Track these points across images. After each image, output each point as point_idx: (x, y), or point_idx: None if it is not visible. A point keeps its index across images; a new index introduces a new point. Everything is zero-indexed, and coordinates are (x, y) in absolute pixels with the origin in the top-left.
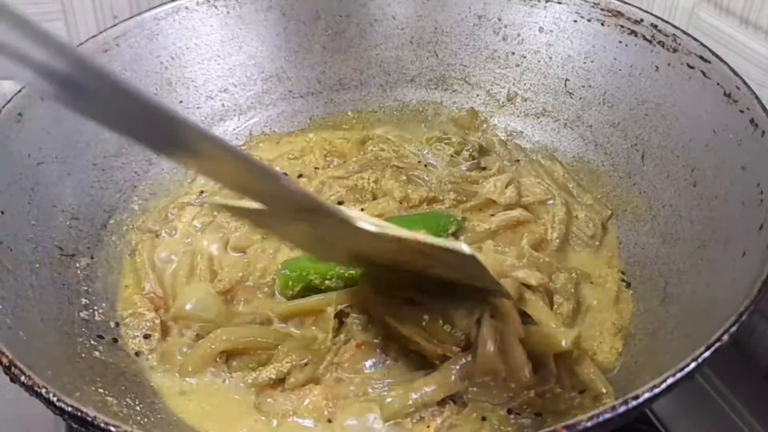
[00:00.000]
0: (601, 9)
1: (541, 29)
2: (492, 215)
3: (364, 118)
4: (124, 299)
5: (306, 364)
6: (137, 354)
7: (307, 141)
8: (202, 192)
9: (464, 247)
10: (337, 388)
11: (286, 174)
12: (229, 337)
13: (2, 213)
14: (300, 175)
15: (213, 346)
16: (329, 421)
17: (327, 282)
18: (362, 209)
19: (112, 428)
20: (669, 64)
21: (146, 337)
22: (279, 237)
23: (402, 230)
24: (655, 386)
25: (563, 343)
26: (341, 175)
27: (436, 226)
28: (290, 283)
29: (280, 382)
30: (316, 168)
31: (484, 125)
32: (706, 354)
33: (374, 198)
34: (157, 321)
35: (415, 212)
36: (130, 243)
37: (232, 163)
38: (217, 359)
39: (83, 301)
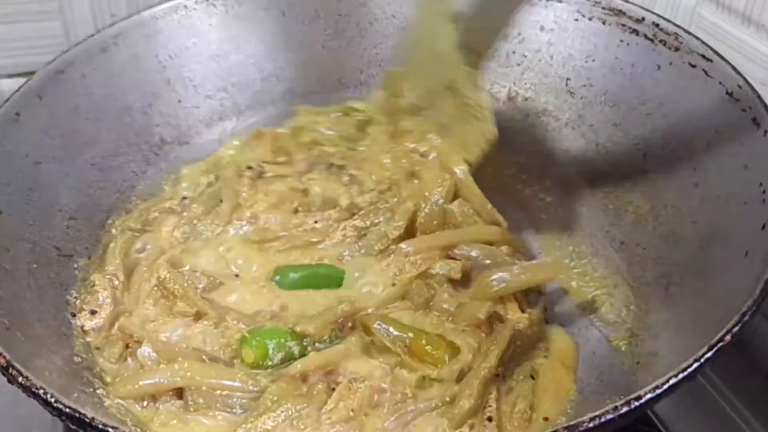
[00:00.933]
0: (603, 8)
1: (542, 28)
2: None
3: None
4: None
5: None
6: (83, 330)
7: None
8: (184, 198)
9: None
10: None
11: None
12: (192, 375)
13: (0, 213)
14: (249, 167)
15: (169, 381)
16: None
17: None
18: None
19: (110, 429)
20: (671, 63)
21: (93, 312)
22: None
23: None
24: (657, 387)
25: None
26: (289, 173)
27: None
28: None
29: None
30: (265, 162)
31: None
32: (709, 354)
33: (324, 203)
34: (109, 300)
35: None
36: None
37: None
38: (170, 392)
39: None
